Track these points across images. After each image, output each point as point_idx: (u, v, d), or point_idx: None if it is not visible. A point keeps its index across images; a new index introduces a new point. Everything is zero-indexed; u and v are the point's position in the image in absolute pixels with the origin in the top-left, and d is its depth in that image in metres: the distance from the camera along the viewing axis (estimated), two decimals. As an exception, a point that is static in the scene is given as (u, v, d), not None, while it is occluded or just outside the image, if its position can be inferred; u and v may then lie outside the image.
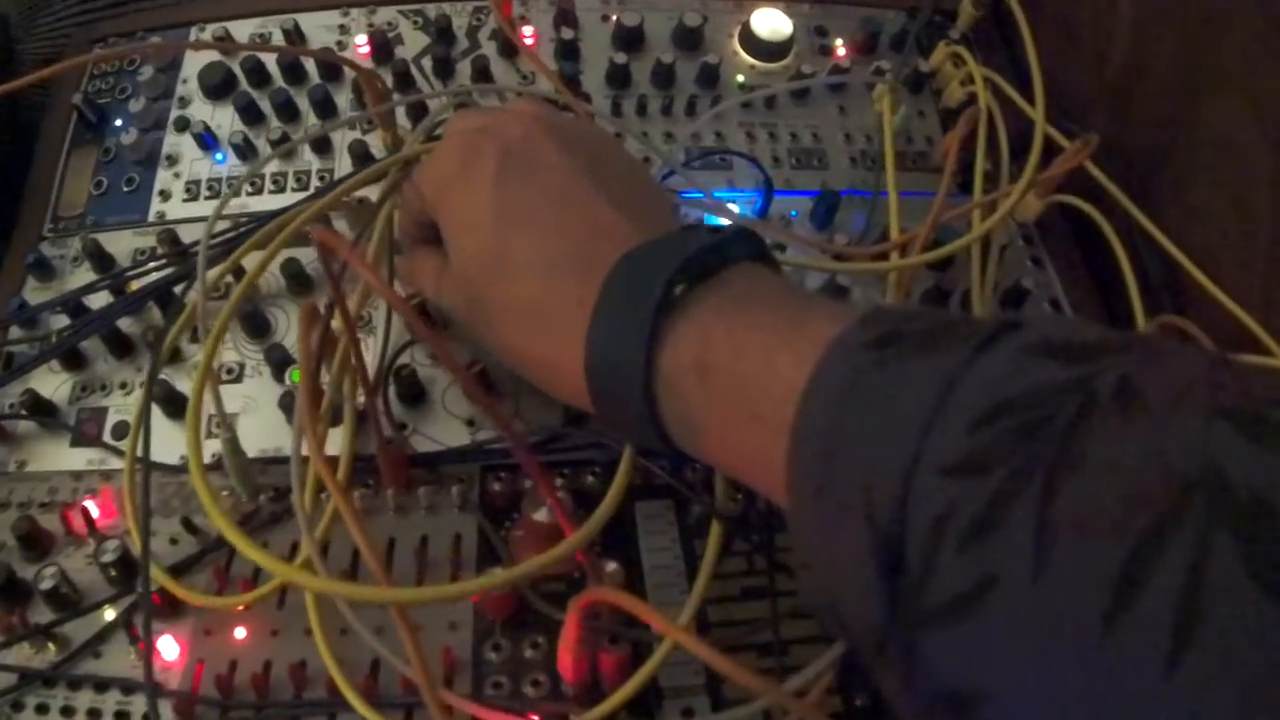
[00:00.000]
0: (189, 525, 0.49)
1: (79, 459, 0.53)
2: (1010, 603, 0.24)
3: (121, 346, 0.56)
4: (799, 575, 0.32)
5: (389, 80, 0.63)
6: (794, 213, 0.61)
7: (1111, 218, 0.61)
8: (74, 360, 0.55)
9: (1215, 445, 0.23)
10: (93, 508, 0.50)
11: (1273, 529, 0.22)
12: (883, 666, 0.28)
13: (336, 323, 0.45)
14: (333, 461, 0.46)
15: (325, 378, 0.47)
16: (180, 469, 0.51)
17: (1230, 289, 0.55)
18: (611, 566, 0.43)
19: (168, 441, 0.51)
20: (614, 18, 0.67)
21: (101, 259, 0.59)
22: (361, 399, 0.47)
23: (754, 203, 0.60)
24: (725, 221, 0.56)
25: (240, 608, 0.45)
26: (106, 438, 0.53)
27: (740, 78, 0.66)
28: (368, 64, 0.64)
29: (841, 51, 0.69)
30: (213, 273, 0.53)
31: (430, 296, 0.48)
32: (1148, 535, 0.22)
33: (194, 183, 0.62)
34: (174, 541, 0.49)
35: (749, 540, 0.44)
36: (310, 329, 0.42)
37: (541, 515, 0.43)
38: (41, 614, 0.46)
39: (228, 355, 0.55)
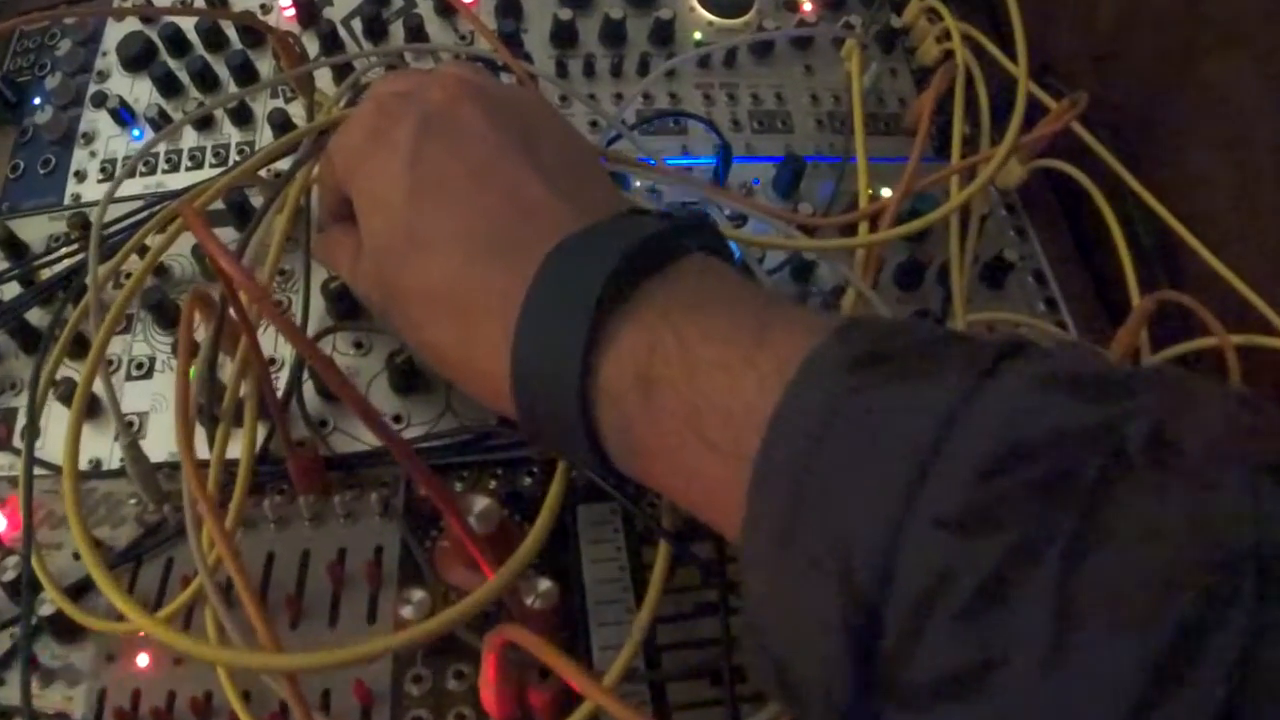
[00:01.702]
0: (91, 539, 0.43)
1: (-10, 464, 0.47)
2: (1015, 689, 0.20)
3: (32, 341, 0.50)
4: (742, 636, 0.26)
5: (314, 44, 0.56)
6: (755, 180, 0.55)
7: (1100, 183, 0.55)
8: (-17, 357, 0.50)
9: (1265, 508, 0.19)
10: (-2, 519, 0.45)
11: None
12: None
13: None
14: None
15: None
16: (87, 474, 0.46)
17: (1232, 261, 0.49)
18: (545, 585, 0.37)
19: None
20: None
21: (14, 247, 0.53)
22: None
23: (711, 169, 0.54)
24: (676, 190, 0.49)
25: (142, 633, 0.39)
26: (16, 441, 0.47)
27: (697, 34, 0.60)
28: (292, 26, 0.58)
29: (808, 6, 0.62)
30: (108, 264, 0.46)
31: (346, 280, 0.42)
32: (1192, 616, 0.18)
33: (110, 161, 0.56)
34: (78, 557, 0.43)
35: (699, 560, 0.38)
36: (191, 321, 0.36)
37: (469, 526, 0.37)
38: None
39: (137, 348, 0.49)
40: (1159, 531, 0.19)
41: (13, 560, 0.42)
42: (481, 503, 0.38)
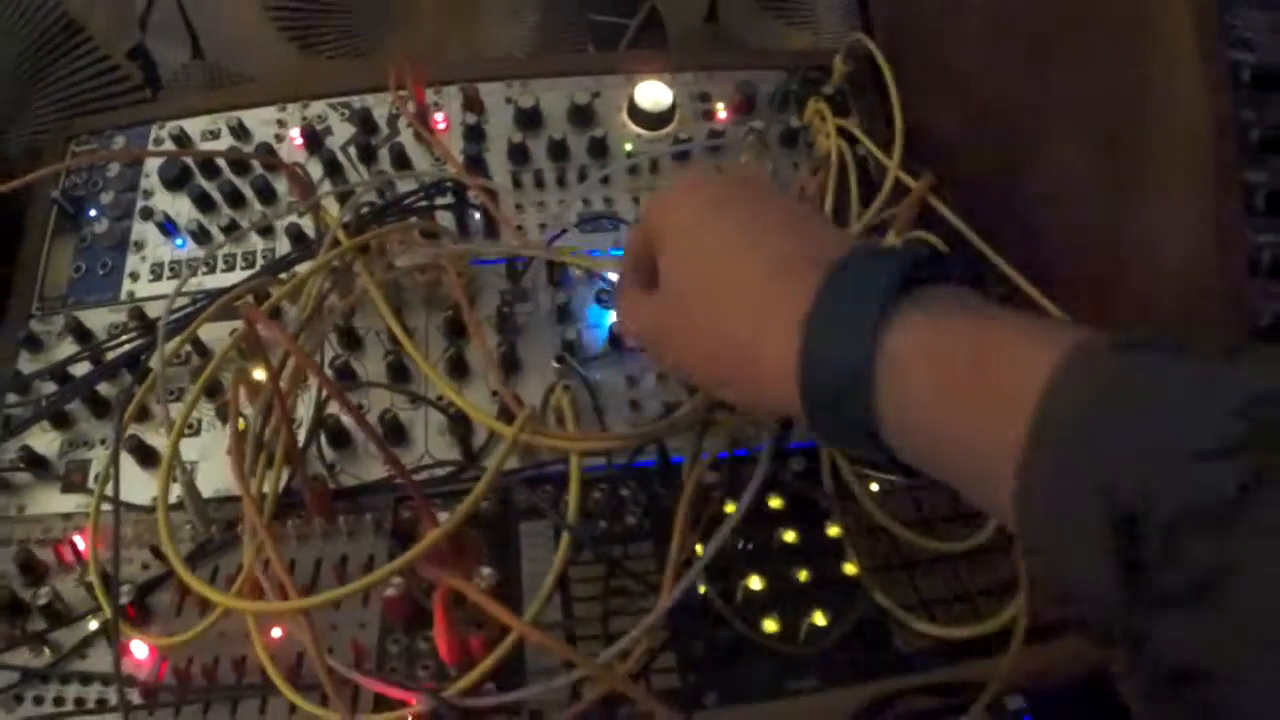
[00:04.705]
0: (156, 552, 0.62)
1: (68, 503, 0.66)
2: (1257, 590, 0.24)
3: (101, 407, 0.69)
4: (1027, 560, 0.41)
5: (319, 168, 0.77)
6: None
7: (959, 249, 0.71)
8: (61, 420, 0.69)
9: None
10: (79, 541, 0.63)
11: None
12: (1112, 646, 0.29)
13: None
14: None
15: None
16: (149, 509, 0.64)
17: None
18: (486, 571, 0.55)
19: (139, 486, 0.64)
20: (515, 100, 0.80)
21: (82, 333, 0.72)
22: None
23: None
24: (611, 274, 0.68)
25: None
26: (90, 484, 0.66)
27: (628, 146, 0.79)
28: (300, 152, 0.79)
29: (723, 114, 0.81)
30: (169, 346, 0.66)
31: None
32: None
33: (158, 265, 0.76)
34: (145, 566, 0.62)
35: (595, 550, 0.57)
36: (237, 397, 0.56)
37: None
38: (39, 626, 0.59)
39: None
40: None
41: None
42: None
